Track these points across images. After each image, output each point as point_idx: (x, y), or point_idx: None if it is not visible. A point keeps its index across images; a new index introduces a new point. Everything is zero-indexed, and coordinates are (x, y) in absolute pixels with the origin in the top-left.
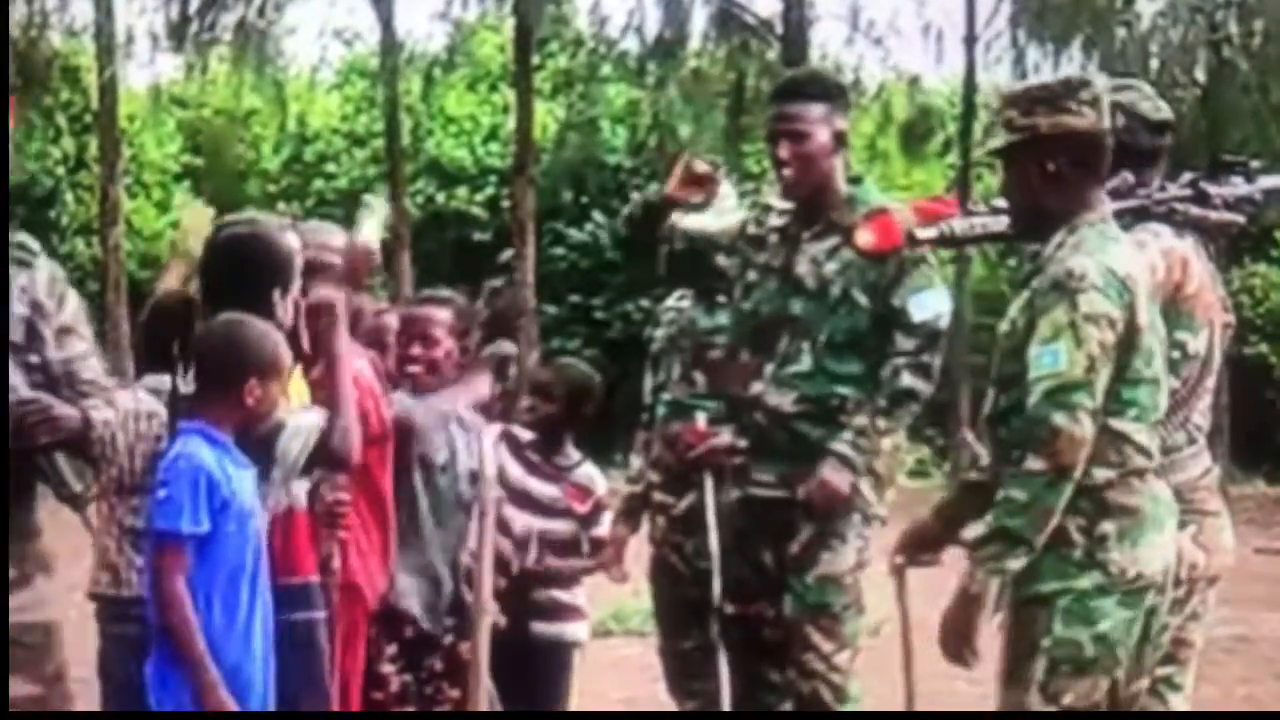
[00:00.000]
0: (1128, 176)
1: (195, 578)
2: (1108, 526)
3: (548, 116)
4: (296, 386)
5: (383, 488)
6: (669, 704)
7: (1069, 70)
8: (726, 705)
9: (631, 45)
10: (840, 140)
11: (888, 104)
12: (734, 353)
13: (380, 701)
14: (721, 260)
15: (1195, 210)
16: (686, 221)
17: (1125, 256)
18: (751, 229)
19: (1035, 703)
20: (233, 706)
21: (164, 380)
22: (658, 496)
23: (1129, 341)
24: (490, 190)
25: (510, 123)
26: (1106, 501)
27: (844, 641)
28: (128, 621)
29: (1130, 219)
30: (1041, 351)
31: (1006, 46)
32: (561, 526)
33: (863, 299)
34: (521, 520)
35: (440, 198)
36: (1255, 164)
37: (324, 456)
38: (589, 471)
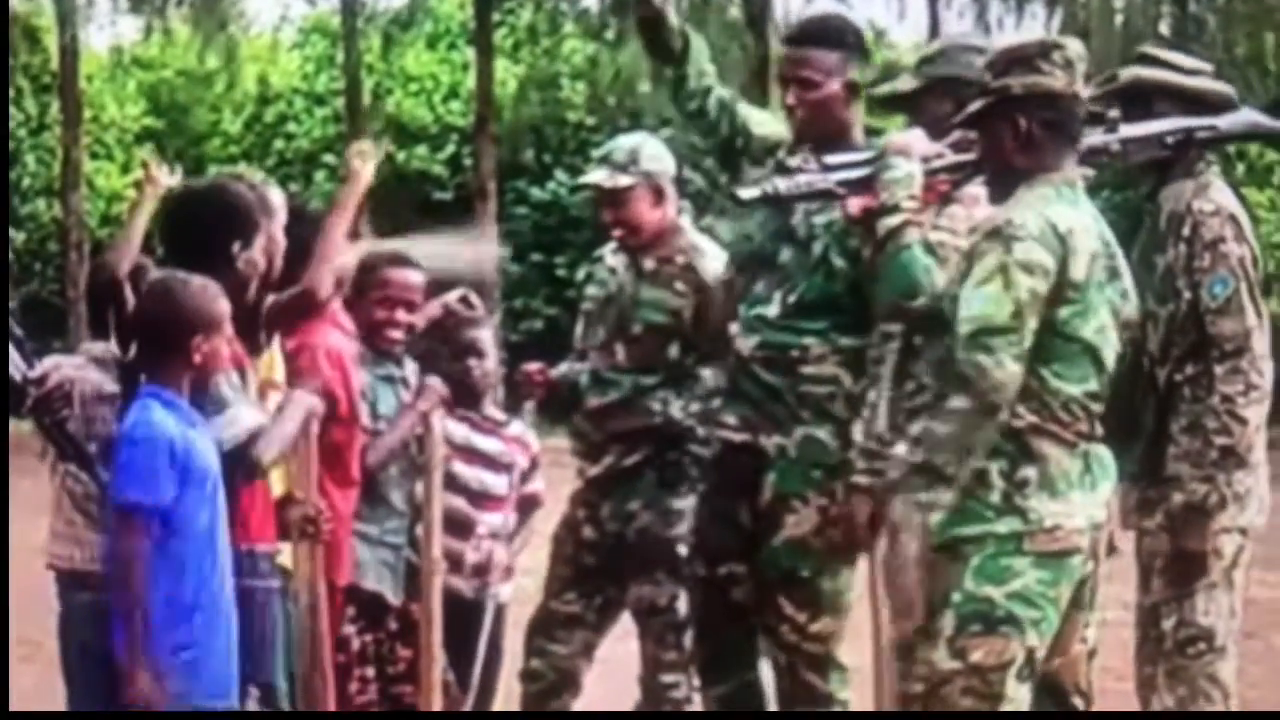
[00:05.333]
0: (970, 135)
1: (166, 548)
2: (1029, 472)
3: (508, 74)
4: (270, 360)
5: (351, 469)
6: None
7: (1032, 25)
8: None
9: (591, 2)
10: (853, 90)
11: None
12: (728, 283)
13: (343, 664)
14: (747, 167)
15: None
16: (744, 109)
17: (1071, 215)
18: (782, 154)
19: (943, 657)
20: (157, 700)
21: (108, 347)
22: (577, 461)
23: (1060, 295)
24: (451, 149)
25: (470, 81)
26: (1030, 447)
27: (820, 607)
28: (87, 590)
29: (970, 171)
30: (972, 295)
31: (969, 1)
32: (506, 481)
33: (841, 263)
34: (475, 476)
35: (401, 157)
36: (1114, 114)
37: (240, 458)
38: (521, 426)
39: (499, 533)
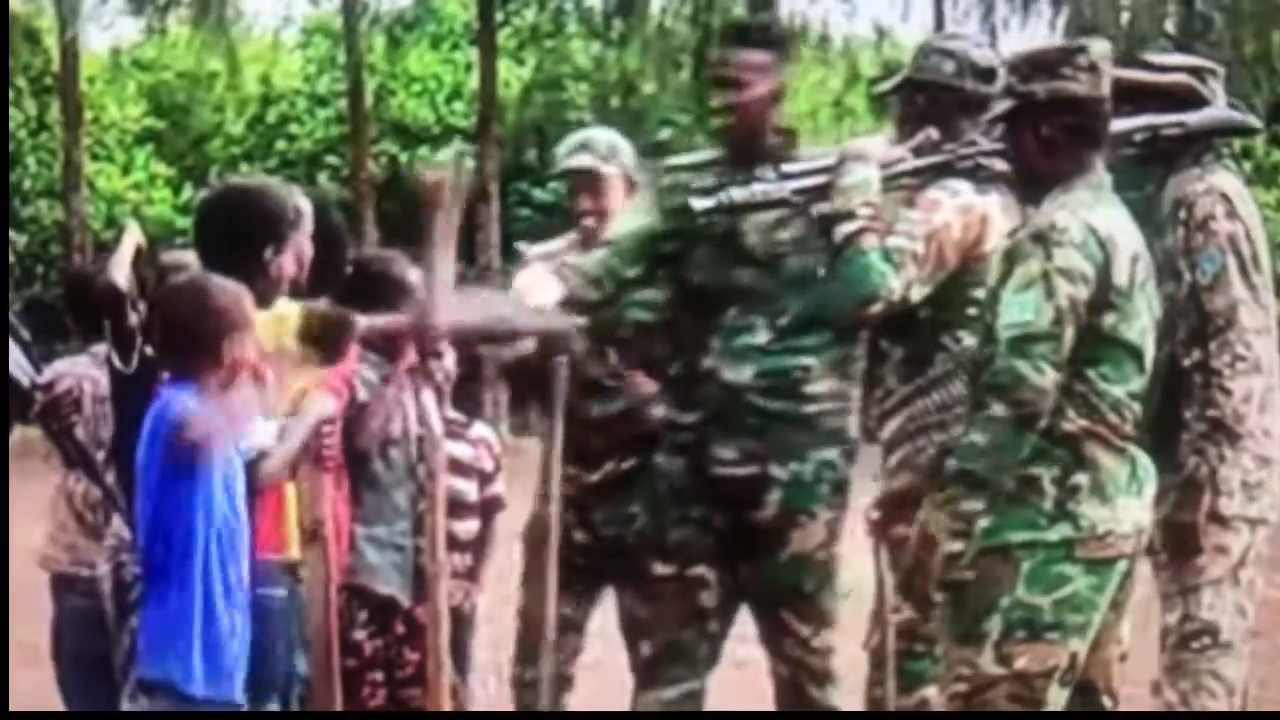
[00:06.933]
0: (931, 133)
1: (191, 539)
2: (1080, 478)
3: (511, 74)
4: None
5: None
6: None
7: (1038, 24)
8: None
9: (595, 1)
10: (780, 94)
11: (854, 60)
12: (672, 323)
13: (354, 669)
14: (665, 248)
15: (1001, 164)
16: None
17: (1111, 218)
18: (675, 200)
19: (988, 662)
20: None
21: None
22: (571, 468)
23: (1103, 300)
24: (454, 150)
25: (473, 81)
26: (1082, 454)
27: (822, 621)
28: (85, 596)
29: (931, 175)
30: (1012, 300)
31: (974, 1)
32: (475, 487)
33: (822, 270)
34: (448, 484)
35: (404, 158)
36: None
37: (246, 472)
38: (483, 428)
39: (470, 540)
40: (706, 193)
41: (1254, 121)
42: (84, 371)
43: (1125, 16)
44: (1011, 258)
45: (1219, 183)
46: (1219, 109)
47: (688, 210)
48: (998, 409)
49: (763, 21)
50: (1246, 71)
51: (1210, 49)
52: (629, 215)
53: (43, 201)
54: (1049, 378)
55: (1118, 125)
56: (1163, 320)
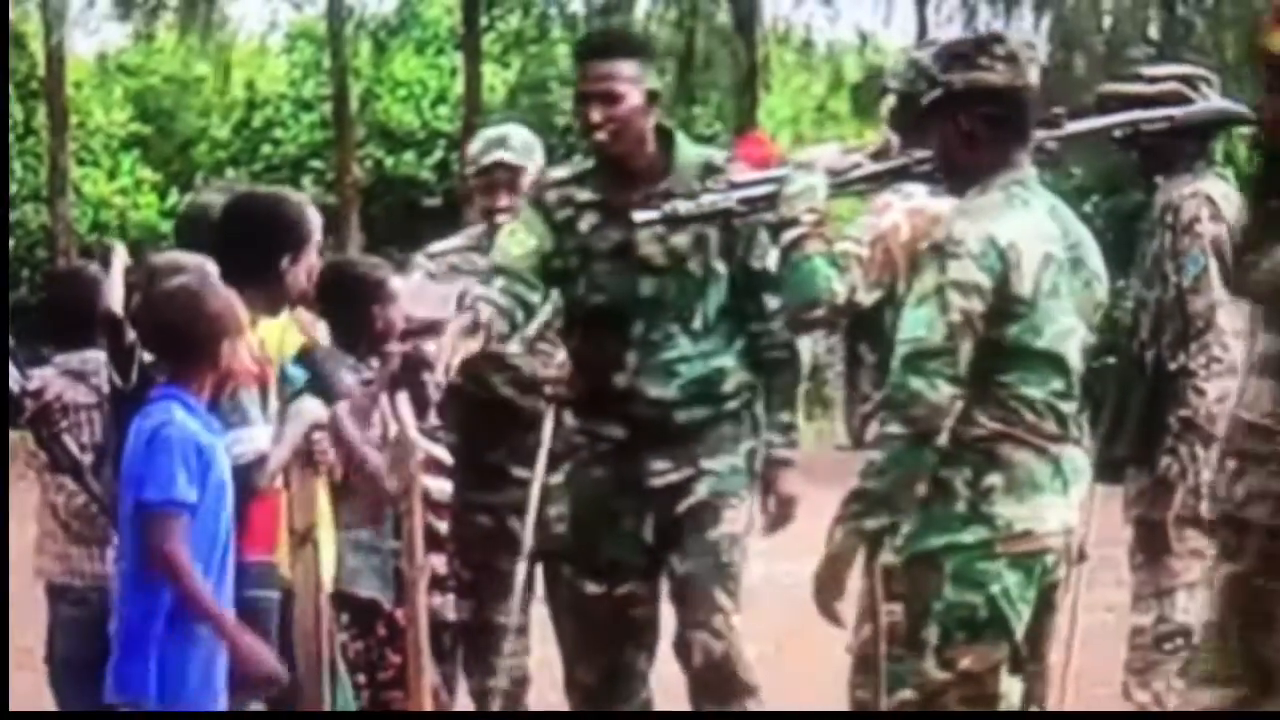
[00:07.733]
0: (891, 138)
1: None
2: (994, 479)
3: (496, 79)
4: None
5: None
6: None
7: (1020, 28)
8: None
9: (579, 6)
10: (653, 100)
11: (838, 65)
12: (574, 341)
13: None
14: (555, 264)
15: None
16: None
17: (1017, 224)
18: (560, 214)
19: (933, 668)
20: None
21: (84, 358)
22: (516, 471)
23: (1005, 311)
24: (439, 154)
25: (458, 86)
26: (994, 454)
27: (738, 602)
28: (77, 605)
29: (889, 179)
30: (909, 315)
31: (958, 5)
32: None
33: (722, 267)
34: (435, 485)
35: (389, 162)
36: (1059, 110)
37: (243, 476)
38: None
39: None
40: (597, 206)
41: (1246, 111)
42: (62, 381)
43: (1108, 21)
44: (915, 269)
45: (1205, 187)
46: (1210, 101)
47: (575, 225)
48: (893, 426)
49: (625, 30)
50: (1230, 75)
51: (1192, 54)
52: (516, 236)
53: (28, 206)
54: (944, 393)
55: (1096, 122)
56: (1150, 323)
